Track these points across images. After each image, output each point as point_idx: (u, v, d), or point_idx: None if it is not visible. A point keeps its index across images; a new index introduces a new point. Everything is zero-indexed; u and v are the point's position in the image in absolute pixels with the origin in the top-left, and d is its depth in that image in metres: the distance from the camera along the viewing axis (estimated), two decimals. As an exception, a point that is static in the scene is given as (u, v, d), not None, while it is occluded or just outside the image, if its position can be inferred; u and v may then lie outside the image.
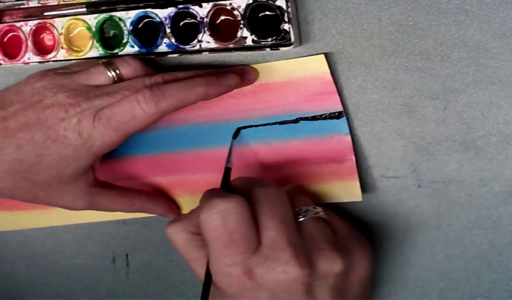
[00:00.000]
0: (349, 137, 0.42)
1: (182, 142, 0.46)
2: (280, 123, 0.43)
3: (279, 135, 0.43)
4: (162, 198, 0.47)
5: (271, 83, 0.43)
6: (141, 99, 0.39)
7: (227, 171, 0.42)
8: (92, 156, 0.41)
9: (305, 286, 0.36)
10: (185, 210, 0.47)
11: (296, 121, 0.43)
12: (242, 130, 0.44)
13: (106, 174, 0.47)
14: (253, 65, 0.43)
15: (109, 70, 0.42)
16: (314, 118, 0.42)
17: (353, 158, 0.42)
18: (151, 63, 0.46)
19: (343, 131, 0.42)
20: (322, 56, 0.41)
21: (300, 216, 0.39)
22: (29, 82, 0.42)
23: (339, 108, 0.42)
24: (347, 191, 0.43)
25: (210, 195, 0.38)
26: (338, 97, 0.42)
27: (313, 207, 0.40)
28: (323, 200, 0.43)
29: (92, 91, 0.41)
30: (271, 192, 0.38)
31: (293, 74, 0.42)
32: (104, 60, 0.43)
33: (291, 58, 0.42)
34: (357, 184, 0.42)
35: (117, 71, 0.42)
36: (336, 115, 0.42)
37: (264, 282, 0.36)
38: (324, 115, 0.42)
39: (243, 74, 0.43)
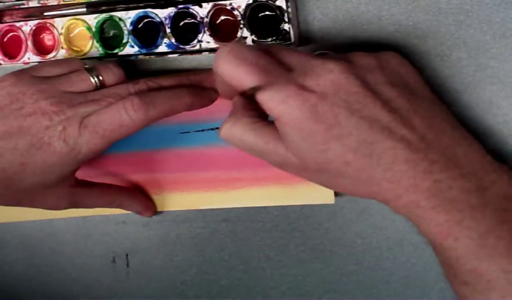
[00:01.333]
0: None
1: (162, 140, 0.46)
2: None
3: None
4: (140, 195, 0.48)
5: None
6: (129, 107, 0.39)
7: None
8: (77, 163, 0.41)
9: (359, 80, 0.34)
10: (161, 208, 0.48)
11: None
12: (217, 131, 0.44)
13: (85, 170, 0.47)
14: None
15: (92, 77, 0.42)
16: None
17: None
18: (151, 63, 0.46)
19: None
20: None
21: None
22: (2, 86, 0.41)
23: None
24: (319, 193, 0.43)
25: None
26: None
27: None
28: (296, 201, 0.44)
29: (75, 98, 0.41)
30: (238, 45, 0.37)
31: None
32: (86, 66, 0.43)
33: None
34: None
35: (100, 78, 0.42)
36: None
37: (322, 89, 0.34)
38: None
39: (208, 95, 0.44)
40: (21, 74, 0.42)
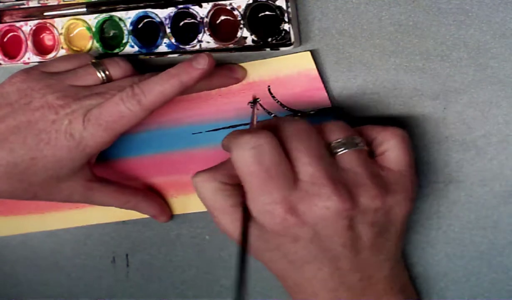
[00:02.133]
0: None
1: (175, 142, 0.46)
2: None
3: None
4: (157, 199, 0.47)
5: (258, 81, 0.43)
6: (125, 98, 0.39)
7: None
8: (86, 156, 0.41)
9: (348, 220, 0.35)
10: (178, 210, 0.48)
11: None
12: (231, 130, 0.44)
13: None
14: (240, 64, 0.43)
15: (99, 71, 0.42)
16: (304, 114, 0.42)
17: None
18: (151, 63, 0.46)
19: None
20: (308, 53, 0.41)
21: (341, 149, 0.37)
22: (13, 82, 0.42)
23: (327, 104, 0.42)
24: None
25: (237, 133, 0.36)
26: (325, 93, 0.42)
27: (352, 137, 0.37)
28: None
29: (81, 91, 0.41)
30: (300, 126, 0.36)
31: (280, 71, 0.42)
32: (93, 60, 0.43)
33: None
34: None
35: (107, 72, 0.42)
36: (325, 112, 0.42)
37: (307, 219, 0.35)
38: (314, 112, 0.42)
39: (230, 73, 0.43)
40: (30, 70, 0.43)
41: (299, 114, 0.43)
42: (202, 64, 0.40)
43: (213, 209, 0.38)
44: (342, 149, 0.37)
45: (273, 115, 0.43)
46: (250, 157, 0.34)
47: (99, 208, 0.48)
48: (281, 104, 0.43)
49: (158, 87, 0.40)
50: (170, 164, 0.47)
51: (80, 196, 0.43)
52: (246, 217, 0.36)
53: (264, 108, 0.43)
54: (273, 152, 0.35)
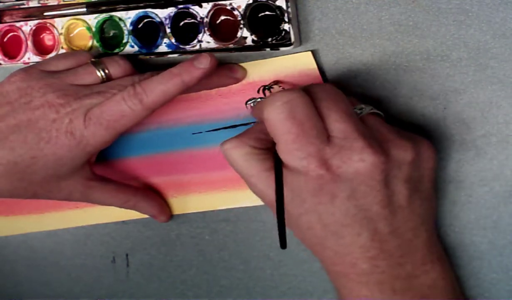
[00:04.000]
0: None
1: (175, 142, 0.46)
2: None
3: None
4: (157, 198, 0.47)
5: (258, 81, 0.43)
6: (127, 97, 0.40)
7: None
8: (87, 155, 0.41)
9: (383, 174, 0.35)
10: (178, 210, 0.48)
11: None
12: (231, 130, 0.44)
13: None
14: (240, 64, 0.43)
15: (98, 70, 0.42)
16: None
17: None
18: (151, 63, 0.46)
19: None
20: (309, 53, 0.41)
21: (359, 112, 0.38)
22: (12, 81, 0.42)
23: None
24: None
25: (269, 95, 0.36)
26: None
27: (366, 105, 0.38)
28: None
29: (81, 90, 0.41)
30: (329, 87, 0.37)
31: (280, 71, 0.42)
32: (93, 59, 0.43)
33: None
34: None
35: (106, 71, 0.42)
36: None
37: (342, 173, 0.35)
38: None
39: (231, 72, 0.43)
40: (30, 69, 0.43)
41: None
42: (204, 63, 0.40)
43: (247, 174, 0.37)
44: (364, 111, 0.37)
45: None
46: (284, 112, 0.34)
47: (99, 207, 0.48)
48: None
49: (160, 86, 0.40)
50: (170, 163, 0.47)
51: (80, 194, 0.43)
52: (280, 170, 0.36)
53: None
54: (306, 106, 0.35)
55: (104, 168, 0.48)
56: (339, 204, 0.35)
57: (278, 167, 0.36)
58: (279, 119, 0.35)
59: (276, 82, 0.43)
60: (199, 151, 0.46)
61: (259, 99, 0.43)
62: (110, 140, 0.41)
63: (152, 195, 0.47)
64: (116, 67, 0.42)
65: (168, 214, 0.48)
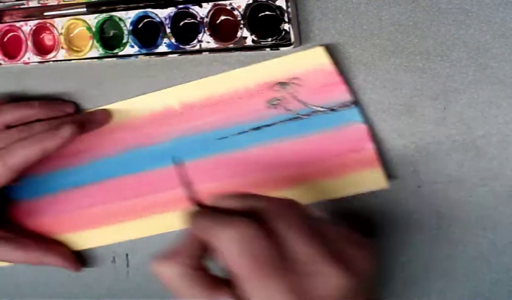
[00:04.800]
0: (364, 125, 0.41)
1: (202, 149, 0.45)
2: (292, 119, 0.43)
3: (291, 133, 0.43)
4: (61, 250, 0.49)
5: (275, 80, 0.43)
6: None
7: (198, 204, 0.38)
8: None
9: (353, 293, 0.33)
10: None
11: (309, 115, 0.42)
12: (254, 132, 0.44)
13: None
14: (252, 65, 0.43)
15: None
16: (325, 111, 0.42)
17: (371, 145, 0.41)
18: (151, 63, 0.46)
19: (356, 120, 0.41)
20: (321, 48, 0.41)
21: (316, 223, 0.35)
22: None
23: (348, 98, 0.41)
24: (370, 179, 0.42)
25: (216, 224, 0.33)
26: (344, 87, 0.41)
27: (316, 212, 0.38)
28: (348, 192, 0.43)
29: None
30: (284, 203, 0.35)
31: (293, 69, 0.42)
32: None
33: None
34: (379, 171, 0.41)
35: None
36: (348, 105, 0.41)
37: (315, 298, 0.32)
38: (336, 106, 0.42)
39: (91, 119, 0.46)
40: None
41: (320, 110, 0.42)
42: (65, 134, 0.44)
43: (180, 295, 0.34)
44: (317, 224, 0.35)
45: (295, 113, 0.43)
46: (237, 248, 0.32)
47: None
48: (301, 101, 0.42)
49: (22, 151, 0.43)
50: (198, 172, 0.45)
51: None
52: None
53: (284, 108, 0.43)
54: (259, 238, 0.32)
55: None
56: None
57: None
58: (233, 256, 0.32)
59: (292, 79, 0.42)
60: (227, 156, 0.45)
61: (276, 100, 0.43)
62: None
63: (56, 248, 0.49)
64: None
65: (76, 263, 0.49)
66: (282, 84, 0.43)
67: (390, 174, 0.42)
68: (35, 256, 0.48)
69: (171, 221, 0.47)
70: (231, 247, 0.32)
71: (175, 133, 0.46)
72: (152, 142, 0.46)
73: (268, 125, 0.44)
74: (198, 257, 0.34)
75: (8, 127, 0.46)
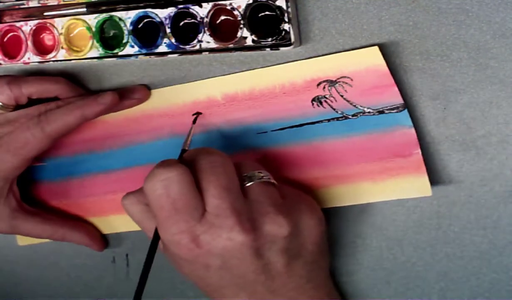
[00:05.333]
0: (413, 130, 0.40)
1: (239, 142, 0.45)
2: (338, 119, 0.42)
3: (336, 132, 0.42)
4: (86, 228, 0.49)
5: (323, 77, 0.42)
6: (31, 126, 0.43)
7: (183, 151, 0.41)
8: (1, 180, 0.44)
9: (253, 250, 0.37)
10: None
11: (355, 116, 0.42)
12: (296, 129, 0.43)
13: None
14: (300, 61, 0.42)
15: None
16: (374, 112, 0.41)
17: (419, 151, 0.40)
18: (151, 63, 0.46)
19: (406, 124, 0.41)
20: (376, 48, 0.40)
21: (246, 182, 0.39)
22: None
23: (399, 101, 0.40)
24: (415, 185, 0.41)
25: (156, 166, 0.38)
26: (396, 90, 0.40)
27: (259, 171, 0.40)
28: (390, 197, 0.42)
29: None
30: (215, 159, 0.38)
31: (345, 67, 0.41)
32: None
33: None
34: (425, 178, 0.40)
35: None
36: (398, 108, 0.41)
37: (212, 249, 0.37)
38: (385, 109, 0.41)
39: (132, 94, 0.45)
40: None
41: (368, 111, 0.41)
42: (105, 100, 0.43)
43: (144, 229, 0.41)
44: (247, 182, 0.39)
45: (340, 113, 0.42)
46: (158, 190, 0.36)
47: None
48: (348, 101, 0.42)
49: (62, 117, 0.43)
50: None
51: (6, 225, 0.46)
52: (154, 244, 0.39)
53: (331, 107, 0.42)
54: (182, 185, 0.36)
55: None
56: (213, 272, 0.38)
57: (156, 234, 0.38)
58: (154, 196, 0.36)
59: (342, 78, 0.41)
60: (264, 151, 0.44)
61: (323, 98, 0.42)
62: (19, 166, 0.44)
63: (81, 226, 0.49)
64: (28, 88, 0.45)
65: (101, 243, 0.50)
66: (331, 82, 0.42)
67: (390, 174, 0.42)
68: (61, 232, 0.48)
69: None
70: (157, 186, 0.36)
71: (215, 125, 0.45)
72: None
73: (311, 123, 0.43)
74: None
75: (30, 99, 0.46)
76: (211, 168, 0.37)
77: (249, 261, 0.37)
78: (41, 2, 0.46)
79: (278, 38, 0.40)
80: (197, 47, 0.42)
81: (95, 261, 0.51)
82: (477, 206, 0.41)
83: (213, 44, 0.42)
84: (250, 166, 0.40)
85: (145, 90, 0.46)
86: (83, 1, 0.44)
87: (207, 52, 0.42)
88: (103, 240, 0.50)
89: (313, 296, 0.40)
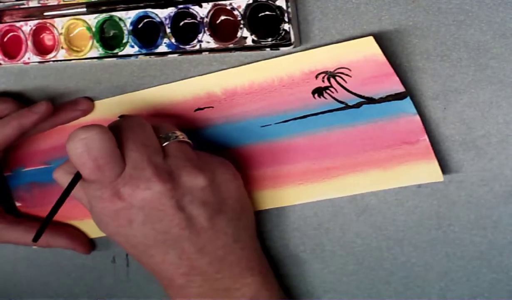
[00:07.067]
0: (418, 118, 0.40)
1: (244, 137, 0.45)
2: (341, 109, 0.42)
3: (339, 122, 0.42)
4: (69, 232, 0.50)
5: (321, 69, 0.42)
6: None
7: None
8: None
9: (173, 201, 0.38)
10: (254, 208, 0.46)
11: (358, 105, 0.42)
12: (299, 120, 0.43)
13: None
14: (296, 53, 0.42)
15: None
16: (376, 101, 0.41)
17: (426, 137, 0.40)
18: (151, 63, 0.46)
19: (410, 111, 0.40)
20: (371, 37, 0.40)
21: (163, 141, 0.40)
22: None
23: (400, 88, 0.40)
24: (426, 171, 0.41)
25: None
26: (396, 78, 0.40)
27: (174, 131, 0.41)
28: (401, 183, 0.42)
29: None
30: (133, 120, 0.40)
31: (343, 58, 0.41)
32: None
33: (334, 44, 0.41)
34: (435, 164, 0.40)
35: None
36: (400, 96, 0.40)
37: (133, 201, 0.38)
38: (387, 97, 0.41)
39: (76, 106, 0.47)
40: None
41: (370, 100, 0.41)
42: (39, 109, 0.45)
43: (75, 198, 0.41)
44: (165, 142, 0.40)
45: (342, 103, 0.42)
46: (79, 148, 0.37)
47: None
48: (349, 90, 0.41)
49: (0, 130, 0.45)
50: (240, 159, 0.45)
51: None
52: (75, 180, 0.40)
53: (332, 97, 0.42)
54: (102, 142, 0.37)
55: None
56: (137, 228, 0.39)
57: (73, 179, 0.40)
58: (76, 155, 0.38)
59: (341, 68, 0.41)
60: (270, 144, 0.44)
61: (324, 89, 0.42)
62: None
63: (64, 230, 0.49)
64: None
65: (86, 246, 0.50)
66: (329, 73, 0.42)
67: (390, 174, 0.42)
68: (44, 239, 0.47)
69: None
70: (78, 145, 0.37)
71: (218, 119, 0.45)
72: (194, 127, 0.45)
73: (315, 114, 0.43)
74: None
75: None
76: (130, 126, 0.39)
77: (170, 213, 0.38)
78: (41, 2, 0.46)
79: (278, 38, 0.40)
80: (197, 47, 0.42)
81: (95, 261, 0.51)
82: (477, 206, 0.41)
83: (213, 44, 0.42)
84: (167, 127, 0.42)
85: (89, 102, 0.47)
86: (83, 1, 0.44)
87: (207, 52, 0.42)
88: (89, 243, 0.50)
89: (241, 256, 0.41)
